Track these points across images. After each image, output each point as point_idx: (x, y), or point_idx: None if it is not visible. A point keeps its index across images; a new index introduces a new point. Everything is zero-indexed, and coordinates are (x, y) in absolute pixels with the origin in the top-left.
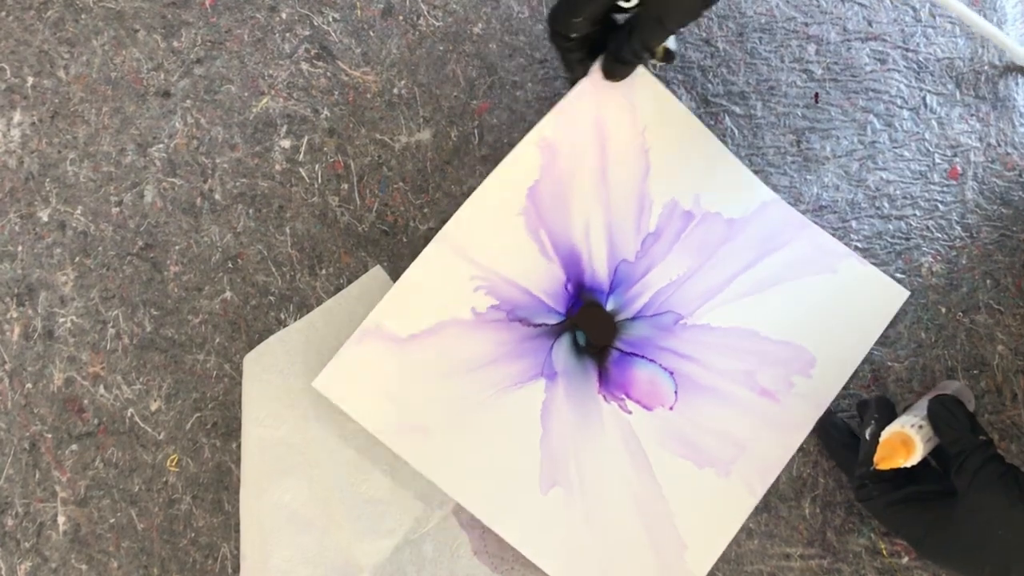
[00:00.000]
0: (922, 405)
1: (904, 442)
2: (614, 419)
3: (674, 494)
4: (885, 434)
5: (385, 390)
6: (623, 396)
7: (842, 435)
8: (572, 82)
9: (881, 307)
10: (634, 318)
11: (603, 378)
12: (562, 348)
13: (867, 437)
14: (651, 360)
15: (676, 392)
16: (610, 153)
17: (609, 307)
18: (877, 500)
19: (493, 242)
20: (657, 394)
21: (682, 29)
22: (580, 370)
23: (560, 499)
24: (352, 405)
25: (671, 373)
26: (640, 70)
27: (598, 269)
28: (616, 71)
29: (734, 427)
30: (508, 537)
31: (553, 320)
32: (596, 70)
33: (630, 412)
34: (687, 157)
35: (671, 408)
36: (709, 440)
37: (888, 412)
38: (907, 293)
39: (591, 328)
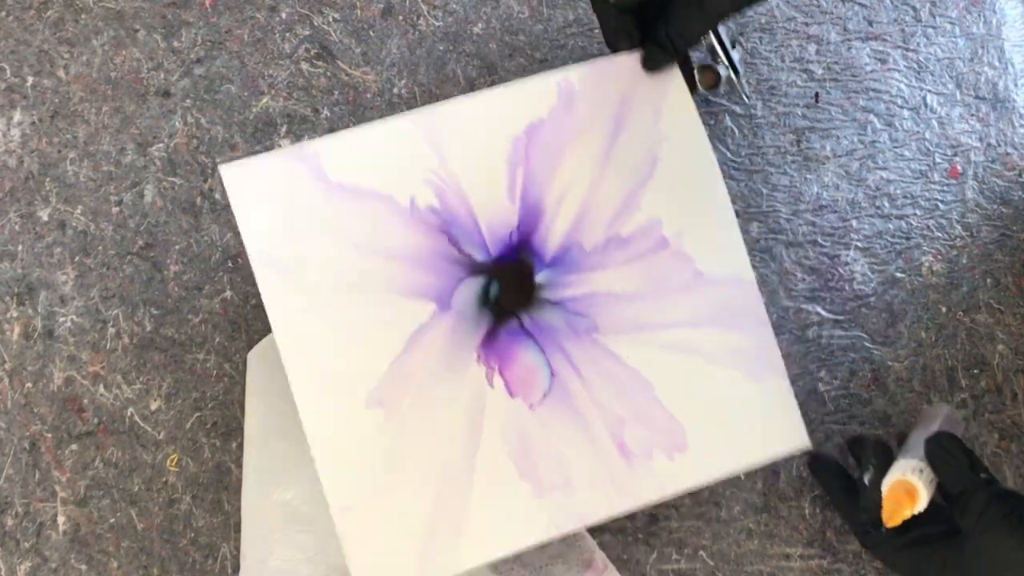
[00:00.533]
0: (918, 444)
1: (908, 492)
2: (474, 382)
3: (483, 484)
4: (886, 486)
5: (282, 214)
6: (495, 367)
7: (839, 479)
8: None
9: (778, 441)
10: (555, 302)
11: (489, 338)
12: (470, 288)
13: (866, 483)
14: (543, 351)
15: (546, 395)
16: (621, 139)
17: (538, 279)
18: (884, 546)
19: (468, 150)
20: (528, 385)
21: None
22: (473, 318)
23: (377, 421)
24: (244, 209)
25: (553, 375)
26: (681, 90)
27: (551, 238)
28: (651, 58)
29: (576, 462)
30: (307, 426)
31: (479, 256)
32: (639, 55)
33: (492, 387)
34: (692, 191)
35: (531, 407)
36: (546, 458)
37: (886, 457)
38: (808, 445)
39: (508, 286)
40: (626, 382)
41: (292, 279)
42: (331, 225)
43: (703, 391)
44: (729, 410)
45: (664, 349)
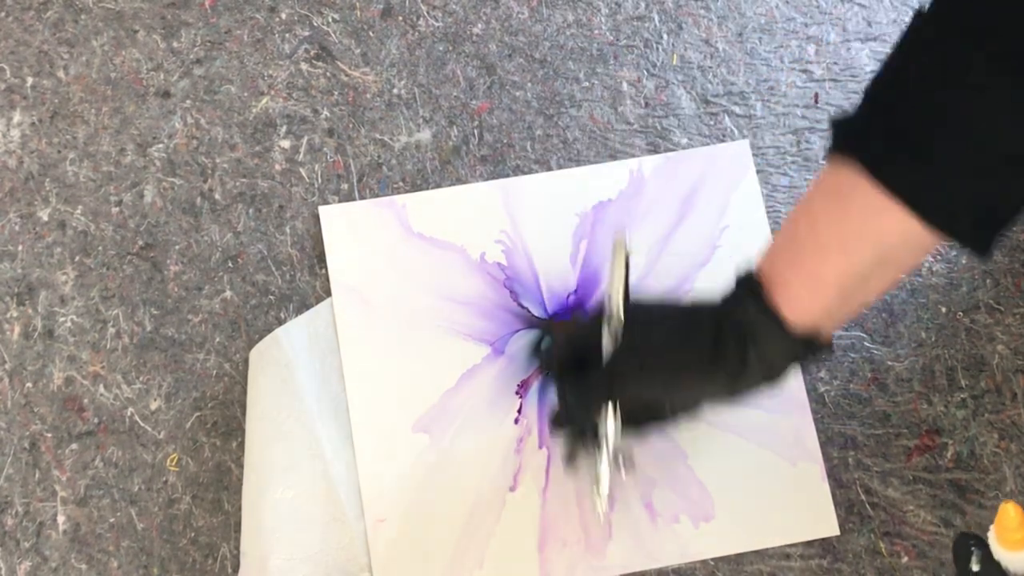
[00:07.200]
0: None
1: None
2: (515, 425)
3: (510, 521)
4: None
5: (366, 255)
6: (537, 413)
7: None
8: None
9: (807, 526)
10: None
11: (527, 385)
12: (524, 338)
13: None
14: None
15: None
16: (685, 224)
17: None
18: None
19: (539, 218)
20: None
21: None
22: (523, 366)
23: (421, 446)
24: (334, 244)
25: None
26: (751, 184)
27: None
28: (554, 428)
29: (601, 513)
30: (357, 440)
31: (537, 312)
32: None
33: (531, 432)
34: None
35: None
36: (574, 506)
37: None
38: (837, 532)
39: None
40: (660, 447)
41: (366, 309)
42: (407, 268)
43: (736, 467)
44: (760, 489)
45: (701, 421)
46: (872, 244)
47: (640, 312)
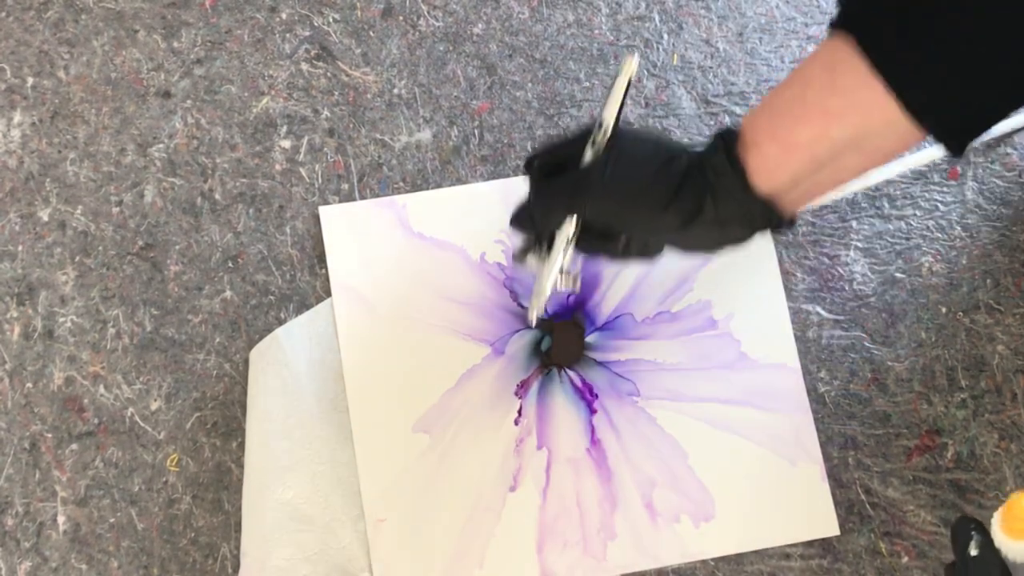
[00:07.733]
0: None
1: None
2: (514, 426)
3: (510, 522)
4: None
5: (366, 255)
6: (536, 414)
7: None
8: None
9: (807, 526)
10: (601, 363)
11: (527, 386)
12: (524, 338)
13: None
14: (586, 406)
15: (583, 448)
16: None
17: (588, 340)
18: None
19: None
20: (566, 436)
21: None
22: (523, 366)
23: (422, 446)
24: (334, 244)
25: (592, 430)
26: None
27: (604, 304)
28: (512, 226)
29: (603, 514)
30: (357, 440)
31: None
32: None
33: (531, 433)
34: (747, 279)
35: (567, 457)
36: (574, 506)
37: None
38: (838, 533)
39: (559, 342)
40: (661, 447)
41: (366, 309)
42: (407, 268)
43: (736, 467)
44: (760, 489)
45: (701, 421)
46: (852, 119)
47: (627, 137)
